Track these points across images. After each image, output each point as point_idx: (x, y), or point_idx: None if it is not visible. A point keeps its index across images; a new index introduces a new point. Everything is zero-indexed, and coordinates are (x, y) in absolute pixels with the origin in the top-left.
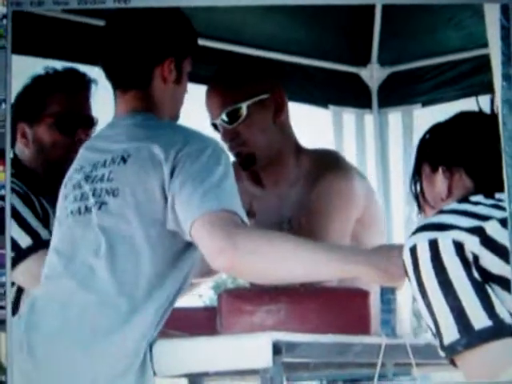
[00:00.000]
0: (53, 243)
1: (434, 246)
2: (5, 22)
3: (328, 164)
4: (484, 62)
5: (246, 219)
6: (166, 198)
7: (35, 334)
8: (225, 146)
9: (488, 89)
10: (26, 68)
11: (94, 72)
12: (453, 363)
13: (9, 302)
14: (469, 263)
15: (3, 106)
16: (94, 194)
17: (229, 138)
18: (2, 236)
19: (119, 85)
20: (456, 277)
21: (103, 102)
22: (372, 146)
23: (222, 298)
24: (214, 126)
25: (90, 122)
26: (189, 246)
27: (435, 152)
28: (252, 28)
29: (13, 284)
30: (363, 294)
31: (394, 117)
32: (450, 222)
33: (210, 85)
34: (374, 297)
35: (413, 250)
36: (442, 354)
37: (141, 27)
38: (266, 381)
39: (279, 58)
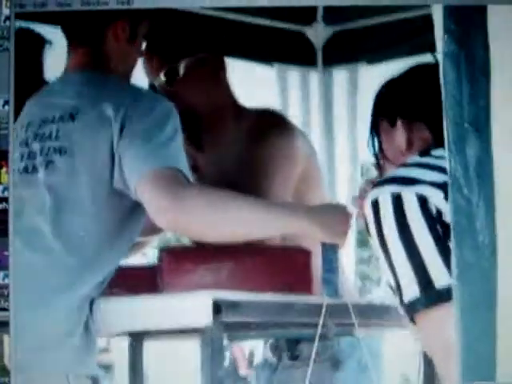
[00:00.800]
0: None
1: (397, 200)
2: (8, 23)
3: (269, 123)
4: (428, 21)
5: (190, 177)
6: (113, 157)
7: None
8: None
9: (432, 47)
10: None
11: (49, 32)
12: (412, 321)
13: (12, 304)
14: (432, 218)
15: (6, 107)
16: (41, 153)
17: (168, 99)
18: (5, 238)
19: (72, 39)
20: (418, 233)
21: (57, 63)
22: (317, 104)
23: (162, 255)
24: (153, 86)
25: (43, 84)
26: (137, 205)
27: (393, 106)
28: None
29: None
30: (305, 253)
31: (339, 75)
32: (413, 176)
33: (146, 46)
34: (316, 255)
35: (375, 204)
36: (401, 311)
37: None
38: (206, 339)
39: (224, 16)
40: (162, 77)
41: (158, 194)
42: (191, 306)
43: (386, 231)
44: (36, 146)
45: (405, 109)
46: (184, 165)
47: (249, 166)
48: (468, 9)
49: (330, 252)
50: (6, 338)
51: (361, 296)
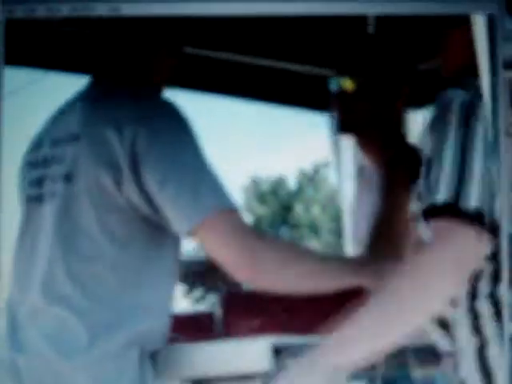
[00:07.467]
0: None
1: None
2: None
3: None
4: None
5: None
6: (119, 185)
7: (17, 352)
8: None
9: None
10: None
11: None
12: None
13: None
14: None
15: None
16: (48, 179)
17: None
18: None
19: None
20: None
21: None
22: None
23: (222, 301)
24: None
25: None
26: (163, 234)
27: None
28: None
29: None
30: (361, 295)
31: None
32: None
33: None
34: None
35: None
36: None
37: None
38: None
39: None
40: None
41: (229, 249)
42: (251, 351)
43: None
44: (43, 172)
45: None
46: (229, 197)
47: None
48: None
49: None
50: None
51: (418, 337)
